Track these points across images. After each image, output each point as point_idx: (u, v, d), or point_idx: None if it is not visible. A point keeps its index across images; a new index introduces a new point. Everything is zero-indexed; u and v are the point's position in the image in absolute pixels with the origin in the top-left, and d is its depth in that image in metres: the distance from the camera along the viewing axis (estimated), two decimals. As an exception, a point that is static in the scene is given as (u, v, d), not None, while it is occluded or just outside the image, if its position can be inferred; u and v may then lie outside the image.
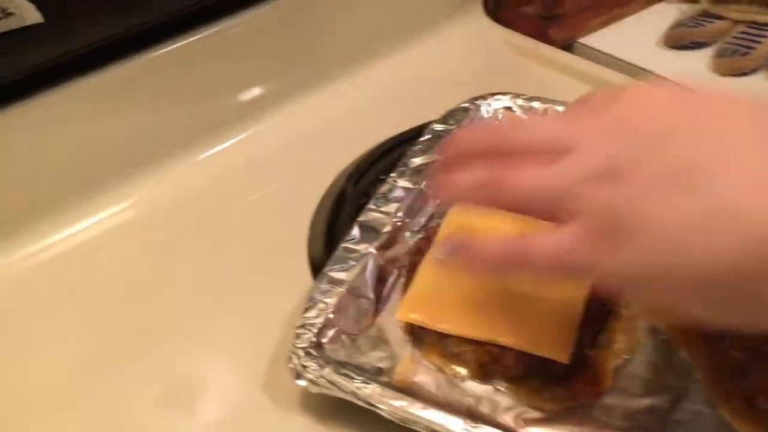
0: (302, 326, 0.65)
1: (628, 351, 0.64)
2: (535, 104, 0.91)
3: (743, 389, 0.58)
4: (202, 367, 0.71)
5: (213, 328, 0.74)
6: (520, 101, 0.92)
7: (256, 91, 1.00)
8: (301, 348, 0.63)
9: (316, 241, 0.81)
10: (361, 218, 0.76)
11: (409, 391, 0.62)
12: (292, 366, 0.62)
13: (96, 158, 0.87)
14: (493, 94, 0.93)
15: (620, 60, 1.10)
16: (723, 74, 1.05)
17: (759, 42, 1.05)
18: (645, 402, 0.60)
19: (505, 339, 0.62)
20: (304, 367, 0.62)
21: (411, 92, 1.06)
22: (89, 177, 0.87)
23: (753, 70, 1.05)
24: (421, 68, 1.10)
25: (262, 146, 0.97)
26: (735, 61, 1.05)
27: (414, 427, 0.58)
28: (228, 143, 0.97)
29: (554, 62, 1.09)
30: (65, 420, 0.66)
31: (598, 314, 0.64)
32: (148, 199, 0.90)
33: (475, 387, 0.63)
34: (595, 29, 1.19)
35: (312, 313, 0.67)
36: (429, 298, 0.66)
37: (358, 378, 0.61)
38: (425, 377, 0.64)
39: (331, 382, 0.61)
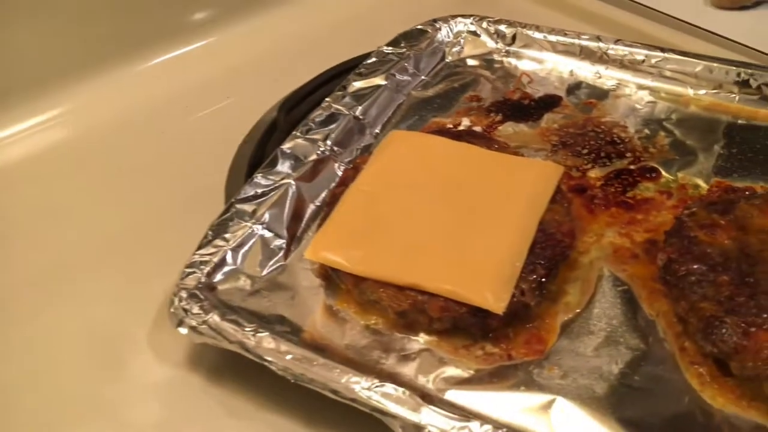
0: (191, 264, 0.55)
1: (580, 304, 0.53)
2: (502, 27, 0.79)
3: (714, 351, 0.47)
4: (87, 313, 0.60)
5: (115, 267, 0.64)
6: (485, 24, 0.80)
7: (203, 7, 0.90)
8: (186, 289, 0.53)
9: (238, 173, 0.70)
10: (284, 145, 0.65)
11: (317, 345, 0.52)
12: (173, 311, 0.52)
13: (16, 63, 0.78)
14: (455, 16, 0.81)
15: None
16: (721, 7, 0.93)
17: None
18: (594, 363, 0.49)
19: (429, 283, 0.51)
20: (186, 311, 0.51)
21: (373, 17, 0.94)
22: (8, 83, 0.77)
23: (756, 3, 0.92)
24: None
25: (204, 66, 0.87)
26: (736, -8, 0.92)
27: (310, 386, 0.47)
28: (166, 57, 0.87)
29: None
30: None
31: (547, 258, 0.53)
32: (77, 113, 0.80)
33: (393, 342, 0.52)
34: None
35: (207, 250, 0.56)
36: (346, 235, 0.55)
37: (250, 326, 0.50)
38: (338, 329, 0.53)
39: (216, 330, 0.50)
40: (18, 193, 0.73)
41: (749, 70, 0.69)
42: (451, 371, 0.50)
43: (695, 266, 0.50)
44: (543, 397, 0.47)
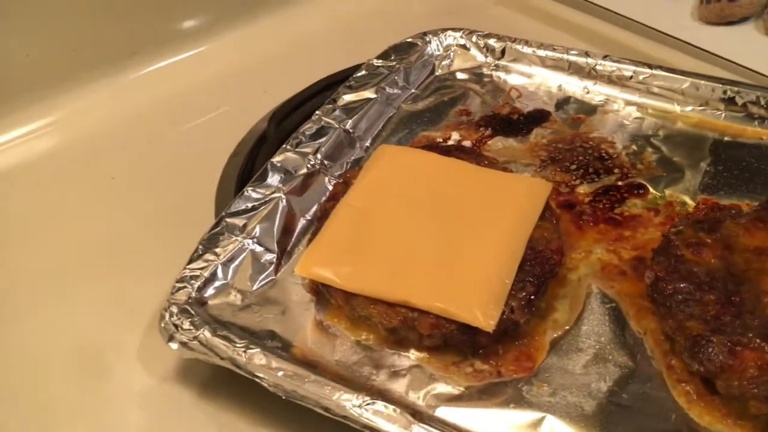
0: (182, 279, 0.55)
1: (569, 321, 0.54)
2: (492, 41, 0.80)
3: (700, 369, 0.47)
4: (76, 323, 0.60)
5: (105, 277, 0.64)
6: (474, 38, 0.81)
7: (194, 16, 0.90)
8: (176, 304, 0.53)
9: (228, 184, 0.71)
10: (274, 159, 0.65)
11: (307, 360, 0.52)
12: (163, 326, 0.52)
13: (5, 72, 0.78)
14: (445, 30, 0.82)
15: (591, 2, 0.98)
16: (708, 22, 0.94)
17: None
18: (583, 381, 0.50)
19: (419, 300, 0.51)
20: (177, 327, 0.51)
21: (363, 29, 0.95)
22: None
23: (742, 18, 0.93)
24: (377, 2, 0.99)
25: (194, 75, 0.88)
26: (722, 8, 0.93)
27: (302, 402, 0.48)
28: (157, 66, 0.88)
29: (522, 4, 0.97)
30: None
31: (537, 275, 0.53)
32: (67, 122, 0.81)
33: (384, 358, 0.52)
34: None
35: (197, 264, 0.56)
36: (336, 251, 0.55)
37: (241, 342, 0.50)
38: (328, 345, 0.53)
39: (207, 346, 0.50)
40: (6, 201, 0.73)
41: (735, 88, 0.70)
42: (442, 388, 0.50)
43: (682, 285, 0.50)
44: (532, 415, 0.48)
